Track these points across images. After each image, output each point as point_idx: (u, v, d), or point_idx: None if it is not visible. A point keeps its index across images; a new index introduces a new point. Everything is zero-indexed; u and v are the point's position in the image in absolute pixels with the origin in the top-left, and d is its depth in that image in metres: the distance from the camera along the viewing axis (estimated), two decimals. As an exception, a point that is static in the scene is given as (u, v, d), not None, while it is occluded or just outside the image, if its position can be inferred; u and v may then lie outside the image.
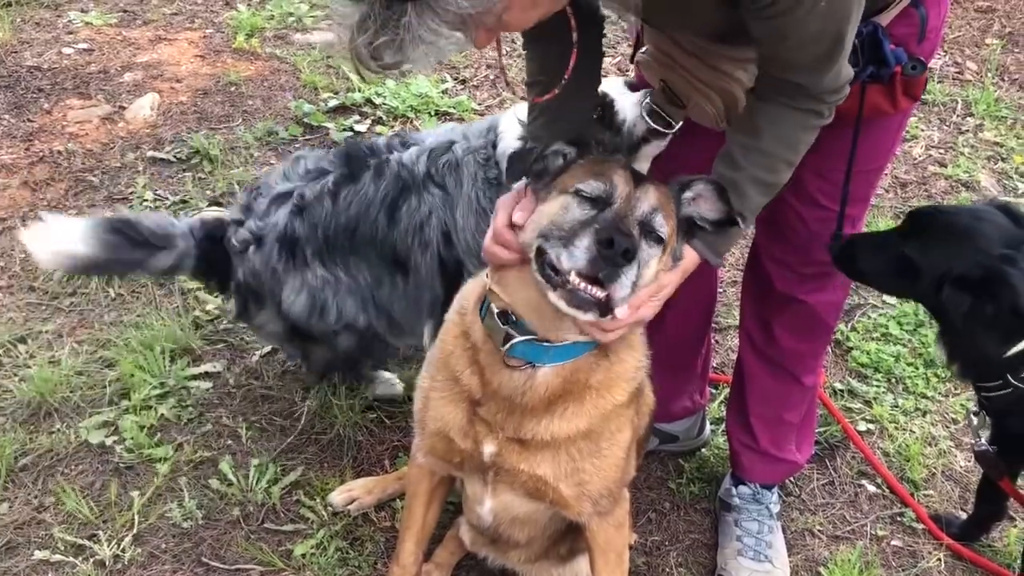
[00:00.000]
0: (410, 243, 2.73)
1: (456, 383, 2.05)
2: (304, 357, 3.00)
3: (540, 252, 1.82)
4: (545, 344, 1.91)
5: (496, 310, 1.93)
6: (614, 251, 1.72)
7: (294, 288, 2.74)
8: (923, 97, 5.07)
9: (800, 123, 2.01)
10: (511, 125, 2.70)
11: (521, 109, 2.56)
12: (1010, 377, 2.34)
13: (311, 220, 2.72)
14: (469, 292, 2.10)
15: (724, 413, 3.09)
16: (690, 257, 2.01)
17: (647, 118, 2.51)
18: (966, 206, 2.44)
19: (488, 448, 2.03)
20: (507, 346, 1.91)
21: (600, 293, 1.74)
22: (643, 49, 2.34)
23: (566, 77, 2.01)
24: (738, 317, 2.89)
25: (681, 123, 2.49)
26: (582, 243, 1.74)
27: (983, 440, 2.59)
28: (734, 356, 3.36)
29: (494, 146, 2.72)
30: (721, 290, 3.81)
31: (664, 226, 1.87)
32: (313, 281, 2.74)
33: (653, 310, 1.95)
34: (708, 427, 3.18)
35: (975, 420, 2.61)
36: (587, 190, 1.85)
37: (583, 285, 1.73)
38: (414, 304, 2.82)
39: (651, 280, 1.87)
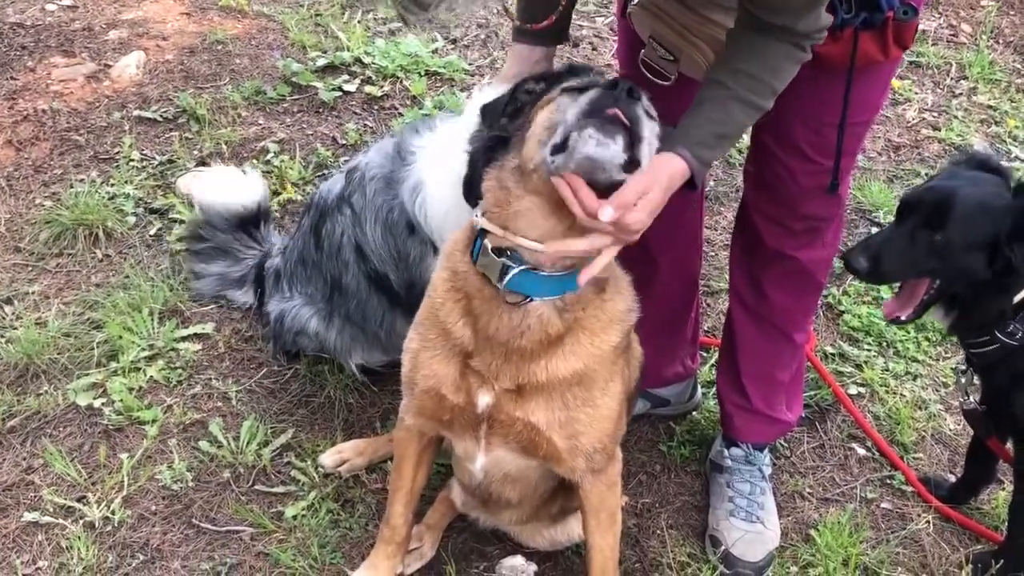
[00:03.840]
0: (336, 264, 2.87)
1: (447, 338, 2.05)
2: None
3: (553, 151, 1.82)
4: (541, 274, 1.91)
5: (490, 246, 1.93)
6: (619, 89, 1.77)
7: (273, 304, 3.11)
8: (917, 60, 5.08)
9: (784, 53, 2.06)
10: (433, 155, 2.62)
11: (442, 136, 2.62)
12: (997, 333, 2.41)
13: (284, 257, 3.13)
14: (455, 243, 2.08)
15: (715, 376, 3.09)
16: (676, 167, 1.96)
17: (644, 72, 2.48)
18: (954, 174, 2.45)
19: (483, 399, 2.03)
20: (506, 279, 1.90)
21: (621, 116, 1.76)
22: (635, 0, 2.32)
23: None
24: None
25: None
26: (585, 96, 1.79)
27: (972, 399, 2.62)
28: (726, 319, 3.36)
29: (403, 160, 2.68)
30: (713, 253, 3.80)
31: (651, 106, 1.87)
32: (280, 300, 3.08)
33: (641, 221, 1.88)
34: (699, 391, 3.18)
35: (963, 378, 2.63)
36: (575, 83, 1.88)
37: (607, 113, 1.76)
38: (371, 314, 2.89)
39: (649, 157, 1.86)
